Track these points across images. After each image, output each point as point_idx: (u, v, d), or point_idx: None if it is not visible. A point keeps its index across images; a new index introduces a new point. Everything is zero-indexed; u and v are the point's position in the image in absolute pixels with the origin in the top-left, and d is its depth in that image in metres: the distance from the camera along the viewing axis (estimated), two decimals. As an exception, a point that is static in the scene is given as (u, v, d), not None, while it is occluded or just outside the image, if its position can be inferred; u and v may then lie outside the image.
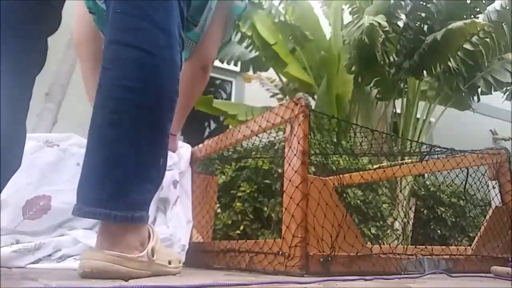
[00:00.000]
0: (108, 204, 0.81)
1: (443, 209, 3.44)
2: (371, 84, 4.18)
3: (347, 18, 4.90)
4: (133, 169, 0.84)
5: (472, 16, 3.83)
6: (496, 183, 1.66)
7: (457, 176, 1.81)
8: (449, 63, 3.82)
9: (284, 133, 1.27)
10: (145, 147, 0.86)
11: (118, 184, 0.83)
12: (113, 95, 0.85)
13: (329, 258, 1.07)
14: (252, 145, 1.92)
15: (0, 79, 0.78)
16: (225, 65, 4.64)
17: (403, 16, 3.93)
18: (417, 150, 2.00)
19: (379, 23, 3.39)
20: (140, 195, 0.86)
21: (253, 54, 4.41)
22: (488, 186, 1.69)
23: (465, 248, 1.57)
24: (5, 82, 0.80)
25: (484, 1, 3.84)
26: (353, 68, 3.86)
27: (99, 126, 0.85)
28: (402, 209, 3.41)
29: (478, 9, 3.90)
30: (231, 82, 5.72)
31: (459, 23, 3.35)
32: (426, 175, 3.68)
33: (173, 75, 0.91)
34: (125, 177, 0.83)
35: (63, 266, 1.10)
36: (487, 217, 1.60)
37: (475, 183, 1.72)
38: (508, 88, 4.75)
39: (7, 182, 0.84)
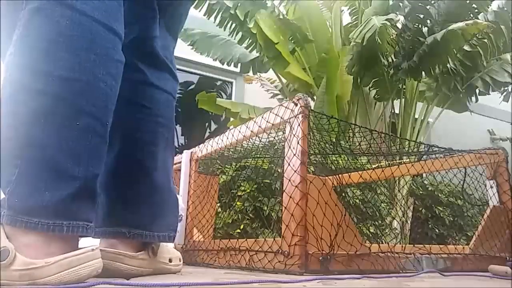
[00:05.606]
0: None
1: (441, 208, 3.45)
2: (370, 85, 4.19)
3: (346, 19, 4.92)
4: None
5: (472, 17, 3.84)
6: (493, 182, 1.67)
7: (455, 175, 1.83)
8: (448, 64, 3.83)
9: (284, 133, 1.28)
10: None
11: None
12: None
13: (328, 257, 1.09)
14: (252, 145, 1.93)
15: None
16: (225, 66, 4.65)
17: (401, 18, 3.94)
18: (415, 150, 2.01)
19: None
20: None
21: (254, 55, 4.41)
22: (485, 185, 1.70)
23: (463, 247, 1.58)
24: None
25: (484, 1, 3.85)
26: (354, 68, 3.86)
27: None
28: (400, 208, 3.42)
29: (477, 11, 3.91)
30: (231, 83, 5.73)
31: (460, 24, 3.34)
32: (424, 175, 3.70)
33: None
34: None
35: None
36: (485, 216, 1.61)
37: (472, 182, 1.73)
38: (506, 88, 4.77)
39: None
